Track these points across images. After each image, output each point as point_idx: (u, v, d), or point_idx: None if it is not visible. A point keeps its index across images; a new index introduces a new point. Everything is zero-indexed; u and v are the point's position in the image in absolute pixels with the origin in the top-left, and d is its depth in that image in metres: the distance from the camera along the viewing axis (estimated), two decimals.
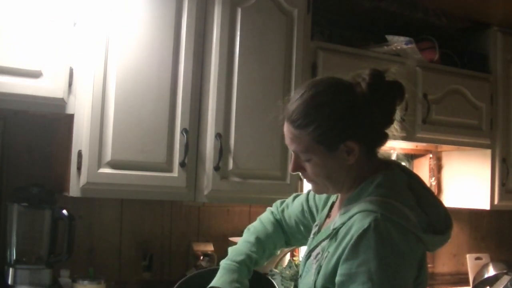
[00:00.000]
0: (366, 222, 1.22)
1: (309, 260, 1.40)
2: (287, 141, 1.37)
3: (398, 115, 1.36)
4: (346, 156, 1.32)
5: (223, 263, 1.55)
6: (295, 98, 1.34)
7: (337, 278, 1.24)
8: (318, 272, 1.31)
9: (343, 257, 1.24)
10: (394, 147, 3.06)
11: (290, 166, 1.42)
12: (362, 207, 1.27)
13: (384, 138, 1.36)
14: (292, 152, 1.38)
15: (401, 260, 1.22)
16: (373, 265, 1.19)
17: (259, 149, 2.31)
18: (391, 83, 1.34)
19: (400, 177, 1.36)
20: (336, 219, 1.35)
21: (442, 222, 1.34)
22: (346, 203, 1.35)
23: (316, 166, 1.34)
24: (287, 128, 1.35)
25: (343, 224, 1.29)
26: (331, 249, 1.30)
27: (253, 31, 2.32)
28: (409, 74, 2.74)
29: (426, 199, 1.35)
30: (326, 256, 1.31)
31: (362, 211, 1.26)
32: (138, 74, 2.09)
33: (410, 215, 1.26)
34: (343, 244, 1.25)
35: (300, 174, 1.39)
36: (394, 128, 1.37)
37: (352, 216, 1.28)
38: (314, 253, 1.38)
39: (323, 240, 1.36)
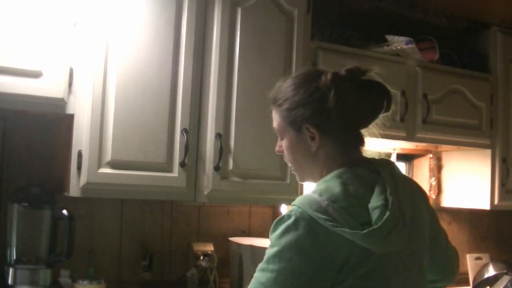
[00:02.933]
0: (286, 213, 1.29)
1: None
2: (273, 121, 1.49)
3: (381, 118, 1.40)
4: (310, 142, 1.38)
5: None
6: (282, 80, 1.49)
7: None
8: None
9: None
10: (394, 147, 3.07)
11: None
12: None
13: (358, 138, 1.40)
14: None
15: (299, 252, 1.22)
16: (273, 250, 1.26)
17: (259, 149, 2.31)
18: (366, 82, 1.39)
19: (360, 173, 1.33)
20: None
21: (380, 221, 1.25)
22: None
23: (287, 147, 1.44)
24: (272, 108, 1.48)
25: None
26: None
27: (253, 31, 2.32)
28: (409, 74, 2.75)
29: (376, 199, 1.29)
30: None
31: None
32: (138, 74, 2.09)
33: (333, 213, 1.22)
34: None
35: (284, 156, 1.49)
36: (373, 132, 1.41)
37: None
38: None
39: None
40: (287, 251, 1.24)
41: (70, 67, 2.00)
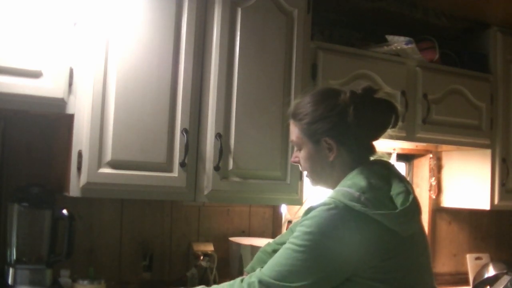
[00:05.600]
0: (319, 202, 1.43)
1: None
2: (290, 134, 1.64)
3: (389, 131, 1.57)
4: (327, 153, 1.55)
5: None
6: (300, 97, 1.64)
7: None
8: None
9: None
10: (394, 147, 3.07)
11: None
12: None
13: (371, 147, 1.58)
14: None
15: (327, 241, 1.37)
16: (303, 230, 1.39)
17: (259, 149, 2.31)
18: (378, 100, 1.55)
19: (376, 169, 1.52)
20: None
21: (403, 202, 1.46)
22: None
23: (304, 158, 1.60)
24: (290, 121, 1.63)
25: None
26: None
27: (253, 31, 2.32)
28: (409, 74, 2.75)
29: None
30: None
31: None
32: (138, 74, 2.09)
33: (365, 201, 1.40)
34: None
35: (299, 166, 1.65)
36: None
37: None
38: None
39: None
40: (318, 234, 1.37)
41: (70, 67, 2.00)
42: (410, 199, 1.45)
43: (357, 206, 1.38)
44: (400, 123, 1.58)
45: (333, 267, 1.39)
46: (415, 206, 1.46)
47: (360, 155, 1.55)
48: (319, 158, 1.56)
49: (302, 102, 1.59)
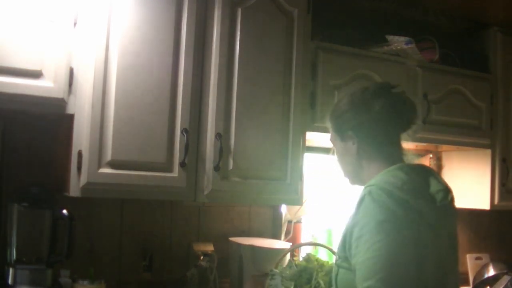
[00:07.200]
0: (362, 194, 1.44)
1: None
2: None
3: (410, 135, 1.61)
4: (351, 146, 1.59)
5: None
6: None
7: (352, 249, 1.42)
8: (337, 251, 1.51)
9: (350, 228, 1.43)
10: None
11: None
12: (362, 188, 1.48)
13: (398, 148, 1.60)
14: None
15: (393, 217, 1.38)
16: (372, 225, 1.38)
17: (259, 149, 2.31)
18: (398, 95, 1.60)
19: (413, 166, 1.54)
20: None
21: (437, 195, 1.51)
22: None
23: (337, 154, 1.66)
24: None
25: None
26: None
27: (253, 31, 2.32)
28: (409, 74, 2.75)
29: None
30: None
31: (362, 190, 1.47)
32: (138, 74, 2.09)
33: (408, 191, 1.42)
34: (349, 219, 1.46)
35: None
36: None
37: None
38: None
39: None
40: (383, 221, 1.38)
41: (70, 67, 2.00)
42: (449, 197, 1.50)
43: (399, 193, 1.41)
44: (420, 123, 1.62)
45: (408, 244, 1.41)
46: (454, 206, 1.53)
47: (389, 152, 1.57)
48: (347, 154, 1.61)
49: (336, 101, 1.69)
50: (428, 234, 1.44)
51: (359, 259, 1.38)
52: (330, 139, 1.67)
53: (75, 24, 2.01)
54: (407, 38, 2.74)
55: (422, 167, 1.59)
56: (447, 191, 1.52)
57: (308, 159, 2.56)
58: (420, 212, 1.42)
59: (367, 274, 1.35)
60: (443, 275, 1.48)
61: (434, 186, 1.51)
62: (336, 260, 1.52)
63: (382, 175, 1.49)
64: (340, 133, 1.61)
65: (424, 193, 1.47)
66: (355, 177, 1.64)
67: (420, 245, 1.41)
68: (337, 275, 1.50)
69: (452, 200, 1.53)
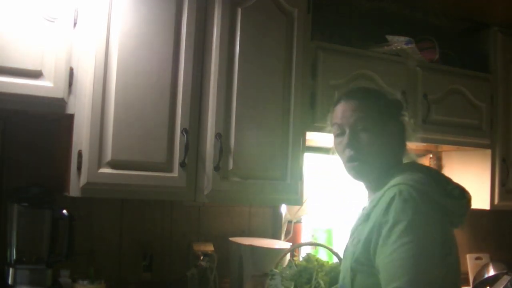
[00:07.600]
0: (392, 193, 1.43)
1: (347, 247, 1.57)
2: None
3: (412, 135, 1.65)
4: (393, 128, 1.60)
5: None
6: None
7: (379, 248, 1.40)
8: (353, 255, 1.48)
9: (378, 227, 1.41)
10: None
11: None
12: (388, 186, 1.47)
13: (404, 145, 1.63)
14: None
15: (425, 218, 1.39)
16: (403, 225, 1.37)
17: (259, 149, 2.31)
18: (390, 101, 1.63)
19: (424, 168, 1.59)
20: (366, 205, 1.56)
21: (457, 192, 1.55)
22: (374, 190, 1.56)
23: (375, 138, 1.62)
24: None
25: (374, 206, 1.47)
26: (365, 229, 1.47)
27: (253, 31, 2.32)
28: (409, 74, 2.75)
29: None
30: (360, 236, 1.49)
31: (389, 188, 1.46)
32: (138, 74, 2.09)
33: (432, 189, 1.45)
34: (374, 218, 1.44)
35: None
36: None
37: (381, 197, 1.46)
38: (351, 239, 1.55)
39: (358, 225, 1.53)
40: (415, 221, 1.38)
41: (70, 67, 2.00)
42: (466, 194, 1.55)
43: (428, 190, 1.43)
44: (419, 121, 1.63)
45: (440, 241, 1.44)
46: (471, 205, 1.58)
47: (396, 152, 1.61)
48: (390, 136, 1.62)
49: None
50: (452, 232, 1.48)
51: (385, 259, 1.37)
52: (365, 123, 1.58)
53: (75, 24, 2.01)
54: (407, 38, 2.74)
55: (429, 168, 1.63)
56: (461, 188, 1.55)
57: (308, 159, 2.56)
58: (446, 210, 1.45)
59: (394, 275, 1.34)
60: (460, 275, 1.52)
61: (446, 185, 1.53)
62: (351, 265, 1.48)
63: (406, 174, 1.49)
64: (387, 116, 1.59)
65: (444, 191, 1.50)
66: (381, 167, 1.57)
67: (446, 246, 1.42)
68: (353, 280, 1.47)
69: (470, 199, 1.57)
